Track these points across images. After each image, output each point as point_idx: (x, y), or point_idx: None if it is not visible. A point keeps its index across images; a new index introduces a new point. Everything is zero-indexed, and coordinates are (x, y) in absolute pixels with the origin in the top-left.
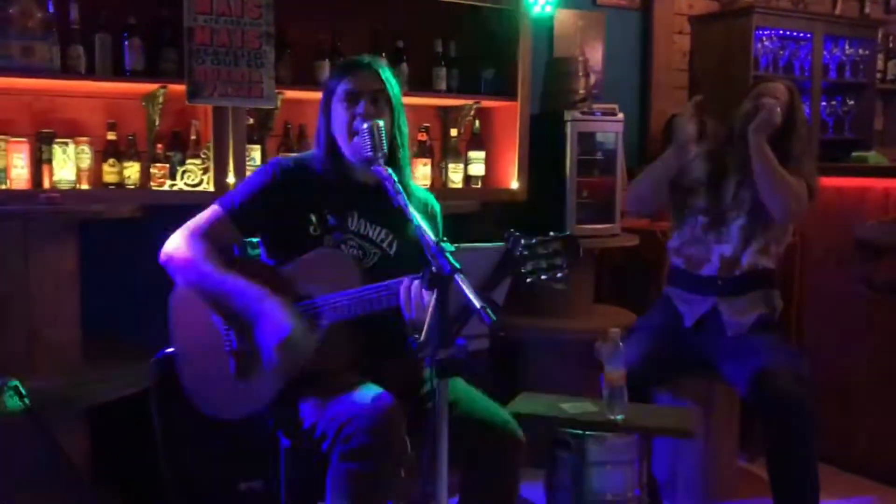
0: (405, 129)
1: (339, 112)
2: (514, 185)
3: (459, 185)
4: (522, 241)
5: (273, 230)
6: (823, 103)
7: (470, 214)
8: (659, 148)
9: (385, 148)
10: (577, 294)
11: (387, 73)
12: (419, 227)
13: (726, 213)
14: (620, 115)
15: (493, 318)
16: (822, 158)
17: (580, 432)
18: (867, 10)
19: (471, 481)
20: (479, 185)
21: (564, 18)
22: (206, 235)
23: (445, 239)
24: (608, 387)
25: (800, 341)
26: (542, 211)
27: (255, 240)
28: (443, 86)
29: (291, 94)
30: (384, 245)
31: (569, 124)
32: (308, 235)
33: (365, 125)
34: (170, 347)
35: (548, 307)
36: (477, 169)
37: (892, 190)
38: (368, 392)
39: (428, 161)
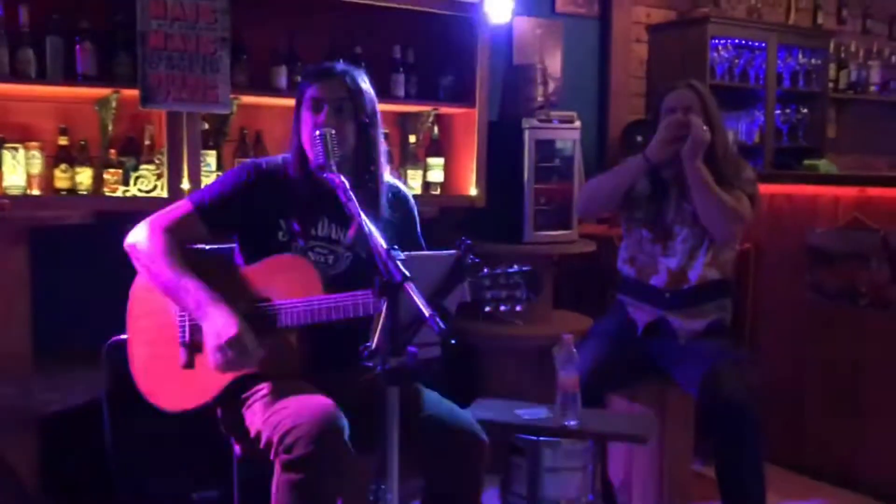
0: (379, 136)
1: (306, 118)
2: (473, 191)
3: (418, 192)
4: (486, 270)
5: (243, 231)
6: (778, 111)
7: (429, 221)
8: (617, 154)
9: (339, 156)
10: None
11: (356, 82)
12: (370, 234)
13: (670, 226)
14: (578, 123)
15: (443, 326)
16: (776, 165)
17: (534, 438)
18: (820, 20)
19: (435, 484)
20: (438, 192)
21: (523, 26)
22: (171, 229)
23: (396, 247)
24: (562, 393)
25: (752, 346)
26: (500, 217)
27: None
28: (401, 92)
29: (248, 99)
30: (356, 249)
31: (527, 132)
32: (276, 241)
33: (317, 132)
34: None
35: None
36: (436, 175)
37: (841, 198)
38: (312, 400)
39: (386, 167)
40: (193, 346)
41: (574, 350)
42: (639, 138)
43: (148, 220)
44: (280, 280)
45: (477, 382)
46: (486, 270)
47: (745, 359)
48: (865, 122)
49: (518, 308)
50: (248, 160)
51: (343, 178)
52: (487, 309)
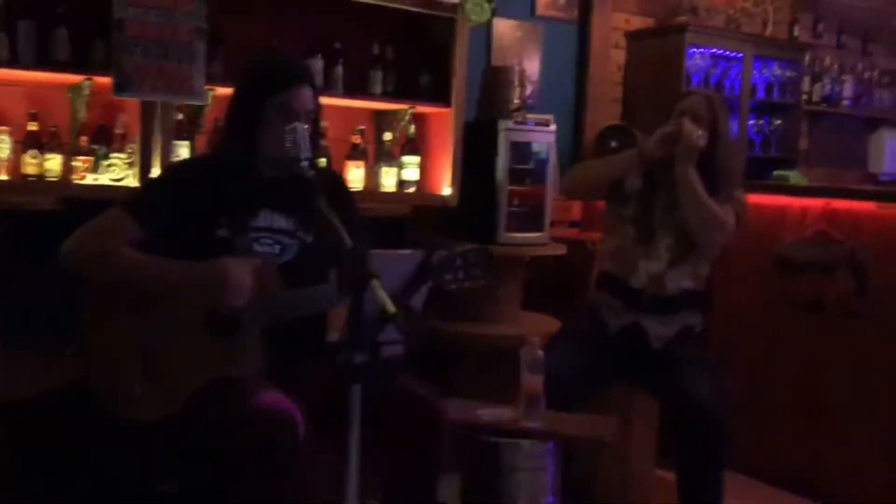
0: (319, 128)
1: (271, 118)
2: (447, 191)
3: (392, 190)
4: (440, 252)
5: (180, 231)
6: (752, 121)
7: (402, 219)
8: (592, 157)
9: (311, 151)
10: (505, 301)
11: (317, 88)
12: (338, 229)
13: (655, 230)
14: (553, 126)
15: (407, 324)
16: (749, 176)
17: (496, 439)
18: (796, 33)
19: (394, 464)
20: (412, 190)
21: (503, 28)
22: (111, 232)
23: (364, 244)
24: (525, 394)
25: (722, 354)
26: (473, 218)
27: None
28: (378, 89)
29: (223, 90)
30: (300, 234)
31: (502, 133)
32: (218, 236)
33: (293, 125)
34: (81, 346)
35: (475, 313)
36: (411, 173)
37: (809, 209)
38: (269, 397)
39: (361, 164)
40: (156, 353)
41: (539, 352)
42: (613, 143)
43: (83, 228)
44: None
45: (445, 382)
46: (441, 253)
47: (713, 366)
48: (837, 136)
49: (481, 281)
50: (177, 160)
51: (313, 172)
52: (453, 287)
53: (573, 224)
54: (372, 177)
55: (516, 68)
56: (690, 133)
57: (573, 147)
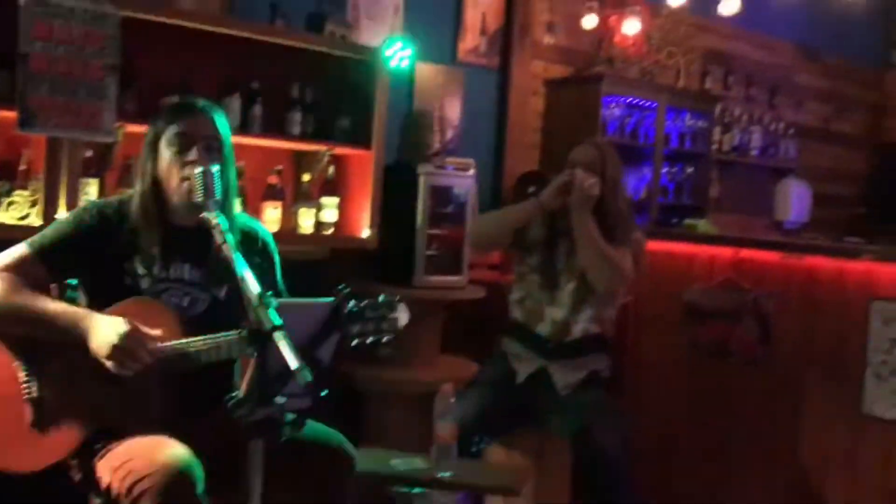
0: (234, 175)
1: (169, 155)
2: (366, 233)
3: (310, 231)
4: (352, 303)
5: (88, 276)
6: (665, 169)
7: (320, 262)
8: (511, 202)
9: (218, 194)
10: (423, 345)
11: (221, 119)
12: (242, 279)
13: (559, 276)
14: (472, 171)
15: (310, 378)
16: (661, 222)
17: (408, 490)
18: (708, 85)
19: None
20: (330, 232)
21: (425, 73)
22: (11, 270)
23: (270, 293)
24: (437, 443)
25: (632, 399)
26: (392, 260)
27: (73, 281)
28: (297, 130)
29: (135, 128)
30: (212, 288)
31: (422, 177)
32: (125, 285)
33: (198, 170)
34: None
35: (392, 357)
36: (329, 215)
37: (717, 257)
38: (165, 449)
39: (278, 204)
40: (41, 401)
41: (452, 401)
42: (531, 189)
43: None
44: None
45: (362, 428)
46: (351, 303)
47: (619, 412)
48: (746, 184)
49: (385, 339)
50: (90, 202)
51: (220, 220)
52: (355, 343)
53: (492, 267)
54: (289, 218)
55: (435, 113)
56: (583, 182)
57: (492, 192)
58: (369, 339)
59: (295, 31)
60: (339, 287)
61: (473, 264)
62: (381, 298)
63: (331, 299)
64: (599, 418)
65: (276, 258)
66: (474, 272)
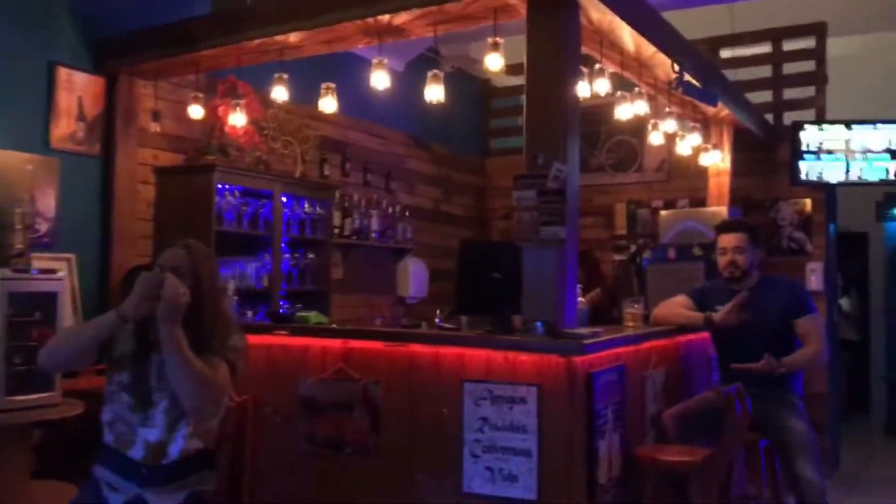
0: None
1: None
2: None
3: None
4: None
5: None
6: (288, 255)
7: None
8: (120, 297)
9: None
10: (8, 474)
11: None
12: None
13: (151, 394)
14: (62, 273)
15: None
16: (286, 309)
17: None
18: (327, 172)
19: None
20: None
21: (9, 162)
22: None
23: None
24: None
25: (251, 500)
26: None
27: None
28: None
29: None
30: None
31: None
32: None
33: None
34: None
35: None
36: None
37: (329, 348)
38: None
39: None
40: None
41: None
42: None
43: None
44: None
45: None
46: None
47: None
48: (369, 265)
49: None
50: None
51: None
52: None
53: (101, 372)
54: None
55: (18, 210)
56: (172, 289)
57: (99, 286)
58: None
59: None
60: None
61: (77, 371)
62: None
63: None
64: None
65: None
66: (78, 379)
